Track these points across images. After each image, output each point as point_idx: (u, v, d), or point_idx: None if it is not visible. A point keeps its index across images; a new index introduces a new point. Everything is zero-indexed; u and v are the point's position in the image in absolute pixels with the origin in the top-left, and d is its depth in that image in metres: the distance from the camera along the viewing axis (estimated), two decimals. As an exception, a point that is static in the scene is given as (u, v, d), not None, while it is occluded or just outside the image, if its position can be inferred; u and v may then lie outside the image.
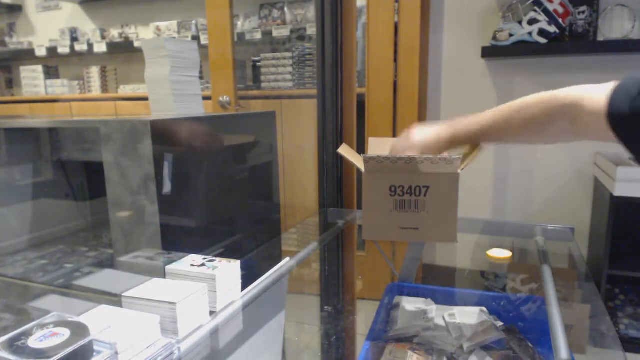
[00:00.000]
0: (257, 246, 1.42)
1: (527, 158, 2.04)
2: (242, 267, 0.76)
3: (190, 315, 0.64)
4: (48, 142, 1.34)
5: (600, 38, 1.84)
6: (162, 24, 3.16)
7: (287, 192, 2.41)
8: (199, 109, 1.41)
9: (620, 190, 1.52)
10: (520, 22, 1.83)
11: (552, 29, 1.78)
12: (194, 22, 3.09)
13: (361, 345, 0.86)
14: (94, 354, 0.52)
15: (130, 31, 3.32)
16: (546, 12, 1.78)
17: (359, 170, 0.88)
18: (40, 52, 3.44)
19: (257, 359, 0.82)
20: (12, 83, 3.88)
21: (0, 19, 3.73)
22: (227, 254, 1.24)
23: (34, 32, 3.69)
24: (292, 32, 2.63)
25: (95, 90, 3.34)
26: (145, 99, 1.40)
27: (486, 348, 0.85)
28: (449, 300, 1.03)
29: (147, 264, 1.00)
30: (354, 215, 1.62)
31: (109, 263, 1.23)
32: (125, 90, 3.26)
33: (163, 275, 0.72)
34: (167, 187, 1.02)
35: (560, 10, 1.77)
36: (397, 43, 2.02)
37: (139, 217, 1.02)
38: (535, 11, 1.80)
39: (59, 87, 3.42)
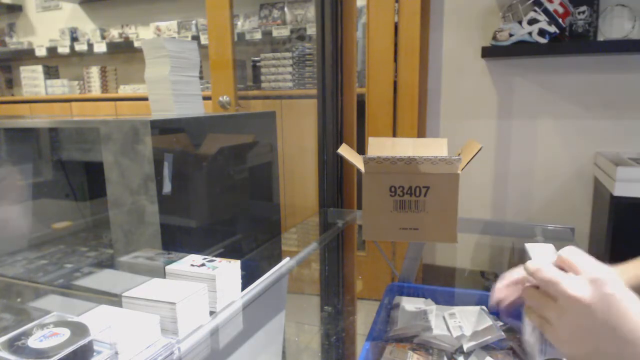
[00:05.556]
0: (257, 246, 1.42)
1: (527, 158, 2.04)
2: (242, 267, 0.76)
3: (190, 315, 0.64)
4: (48, 142, 1.34)
5: (600, 38, 1.84)
6: (162, 24, 3.16)
7: (287, 192, 2.41)
8: (199, 109, 1.41)
9: (620, 190, 1.52)
10: (520, 22, 1.83)
11: (552, 29, 1.78)
12: (194, 22, 3.09)
13: (361, 345, 0.86)
14: (94, 354, 0.52)
15: (130, 31, 3.32)
16: (546, 12, 1.78)
17: (359, 170, 0.88)
18: (40, 52, 3.44)
19: (257, 359, 0.82)
20: (12, 83, 3.88)
21: (1, 19, 3.73)
22: (227, 254, 1.24)
23: (34, 32, 3.69)
24: (292, 32, 2.63)
25: (95, 90, 3.34)
26: (145, 99, 1.39)
27: (486, 348, 0.85)
28: (449, 300, 1.03)
29: (147, 264, 1.00)
30: (353, 215, 1.62)
31: (109, 263, 1.23)
32: (125, 90, 3.26)
33: (163, 275, 0.72)
34: (167, 187, 1.02)
35: (560, 10, 1.77)
36: (397, 43, 2.02)
37: (139, 217, 1.02)
38: (535, 11, 1.80)
39: (59, 87, 3.42)
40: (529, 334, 0.61)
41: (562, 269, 0.54)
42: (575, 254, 0.52)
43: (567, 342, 0.50)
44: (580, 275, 0.49)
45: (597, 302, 0.47)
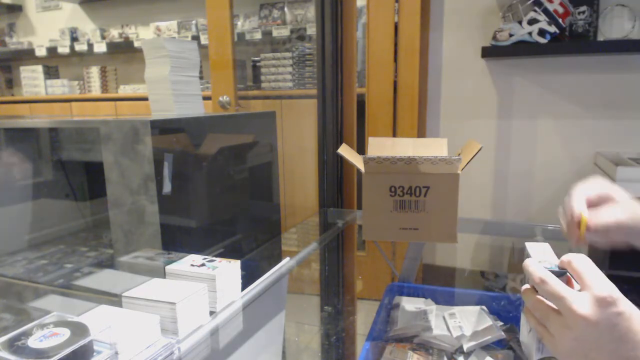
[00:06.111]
0: (257, 246, 1.42)
1: (527, 158, 2.04)
2: (242, 267, 0.76)
3: (190, 315, 0.64)
4: (48, 142, 1.34)
5: (600, 38, 1.84)
6: (162, 24, 3.16)
7: (287, 192, 2.41)
8: (199, 109, 1.41)
9: (620, 190, 1.51)
10: (520, 22, 1.83)
11: (552, 29, 1.78)
12: (194, 22, 3.09)
13: (361, 345, 0.86)
14: (94, 354, 0.52)
15: (130, 31, 3.32)
16: (546, 12, 1.78)
17: (359, 170, 0.88)
18: (40, 52, 3.43)
19: (257, 359, 0.82)
20: (12, 83, 3.88)
21: (1, 19, 3.73)
22: (227, 254, 1.24)
23: (34, 32, 3.69)
24: (292, 32, 2.63)
25: (95, 90, 3.34)
26: (145, 99, 1.39)
27: (486, 348, 0.85)
28: (449, 300, 1.03)
29: (147, 264, 1.00)
30: (354, 215, 1.63)
31: (109, 263, 1.23)
32: (125, 90, 3.26)
33: (163, 275, 0.72)
34: (167, 187, 1.02)
35: (560, 10, 1.77)
36: (397, 43, 2.02)
37: (139, 217, 1.02)
38: (535, 11, 1.80)
39: (59, 87, 3.42)
40: (527, 334, 0.61)
41: (563, 268, 0.54)
42: (584, 264, 0.52)
43: (568, 356, 0.51)
44: (587, 291, 0.49)
45: (603, 320, 0.47)
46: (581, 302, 0.48)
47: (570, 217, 0.67)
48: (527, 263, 0.55)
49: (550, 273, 0.53)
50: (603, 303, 0.47)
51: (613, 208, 0.66)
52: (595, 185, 0.68)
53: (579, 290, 0.50)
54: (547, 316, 0.52)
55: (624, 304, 0.48)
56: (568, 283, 0.53)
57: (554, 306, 0.52)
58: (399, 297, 1.04)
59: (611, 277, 0.51)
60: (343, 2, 1.65)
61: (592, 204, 0.67)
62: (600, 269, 0.53)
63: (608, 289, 0.48)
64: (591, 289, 0.49)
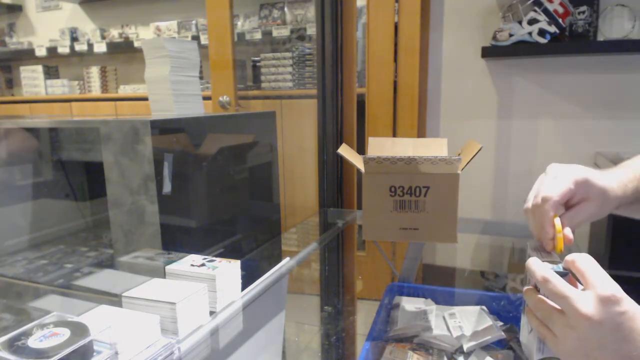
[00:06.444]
0: (257, 246, 1.42)
1: (527, 158, 2.04)
2: (242, 267, 0.76)
3: (190, 315, 0.64)
4: (48, 142, 1.34)
5: (600, 38, 1.83)
6: (162, 24, 3.16)
7: (287, 192, 2.41)
8: (199, 109, 1.41)
9: (620, 190, 1.51)
10: (520, 22, 1.83)
11: (552, 29, 1.78)
12: (194, 22, 3.09)
13: (361, 345, 0.86)
14: (94, 354, 0.52)
15: (130, 31, 3.32)
16: (546, 12, 1.78)
17: (359, 170, 0.88)
18: (40, 52, 3.44)
19: (257, 359, 0.82)
20: (12, 83, 3.88)
21: (1, 19, 3.73)
22: (227, 254, 1.24)
23: (34, 32, 3.69)
24: (292, 32, 2.63)
25: (95, 90, 3.34)
26: (145, 99, 1.40)
27: (486, 348, 0.85)
28: (449, 300, 1.03)
29: (147, 264, 1.00)
30: (353, 215, 1.63)
31: (109, 263, 1.23)
32: (125, 90, 3.26)
33: (163, 275, 0.72)
34: (167, 187, 1.02)
35: (560, 10, 1.77)
36: (397, 43, 2.02)
37: (139, 217, 1.02)
38: (535, 11, 1.80)
39: (59, 87, 3.42)
40: (527, 334, 0.61)
41: (567, 269, 0.54)
42: (588, 263, 0.51)
43: (570, 356, 0.50)
44: (590, 290, 0.49)
45: (607, 320, 0.47)
46: (585, 302, 0.48)
47: (545, 230, 0.62)
48: (530, 262, 0.55)
49: (553, 272, 0.52)
50: (607, 302, 0.47)
51: (585, 205, 0.63)
52: (564, 182, 0.63)
53: (583, 290, 0.50)
54: (550, 316, 0.52)
55: (628, 304, 0.47)
56: (571, 284, 0.52)
57: (556, 306, 0.51)
58: (399, 297, 1.04)
59: (611, 277, 0.50)
60: (343, 2, 1.65)
61: (566, 200, 0.64)
62: (600, 269, 0.53)
63: (612, 288, 0.48)
64: (595, 288, 0.48)
